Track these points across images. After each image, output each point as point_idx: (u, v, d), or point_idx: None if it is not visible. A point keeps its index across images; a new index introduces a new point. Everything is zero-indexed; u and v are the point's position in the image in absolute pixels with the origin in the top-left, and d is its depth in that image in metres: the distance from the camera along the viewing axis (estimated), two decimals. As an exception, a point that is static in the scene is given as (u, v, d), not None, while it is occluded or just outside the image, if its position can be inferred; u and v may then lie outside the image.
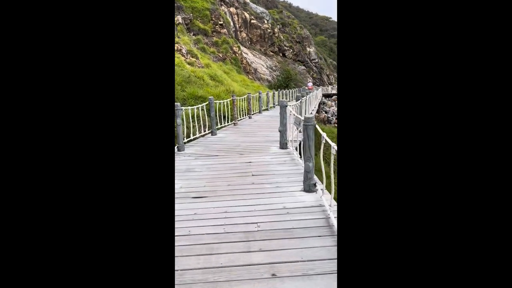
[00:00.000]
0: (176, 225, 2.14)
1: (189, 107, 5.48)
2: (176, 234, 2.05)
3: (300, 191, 2.77)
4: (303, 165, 3.42)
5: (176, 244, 1.89)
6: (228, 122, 7.11)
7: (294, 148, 4.37)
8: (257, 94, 9.98)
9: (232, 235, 2.02)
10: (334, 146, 1.99)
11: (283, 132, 4.43)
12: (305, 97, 6.94)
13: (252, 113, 9.06)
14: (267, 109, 11.01)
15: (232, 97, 7.32)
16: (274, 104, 12.45)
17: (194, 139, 5.36)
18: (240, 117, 8.20)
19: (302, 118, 3.34)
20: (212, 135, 5.83)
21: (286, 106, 4.44)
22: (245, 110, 8.66)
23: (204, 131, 5.80)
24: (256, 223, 2.17)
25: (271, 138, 5.45)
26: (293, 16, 47.26)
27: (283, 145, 4.47)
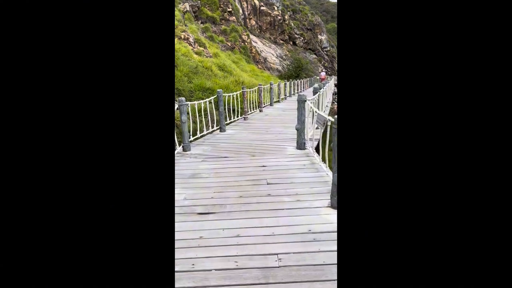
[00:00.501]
0: (177, 255, 1.72)
1: (196, 102, 5.01)
2: (176, 268, 1.63)
3: (327, 207, 2.31)
4: (328, 173, 2.96)
5: (176, 285, 1.47)
6: (238, 116, 6.64)
7: (312, 148, 3.88)
8: (268, 85, 9.41)
9: (246, 272, 1.59)
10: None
11: (300, 130, 3.93)
12: (322, 89, 6.36)
13: (263, 105, 8.55)
14: (278, 101, 10.45)
15: (242, 89, 6.82)
16: (285, 95, 11.85)
17: (202, 136, 4.93)
18: (251, 111, 7.71)
19: (329, 118, 2.84)
20: (220, 131, 5.39)
21: (305, 101, 3.92)
22: (255, 102, 8.15)
23: (212, 127, 5.35)
24: (277, 254, 1.73)
25: (286, 135, 4.96)
26: (304, 2, 45.57)
27: (301, 145, 3.98)
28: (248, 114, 7.04)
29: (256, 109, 8.11)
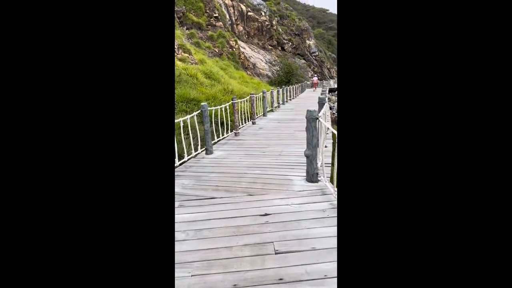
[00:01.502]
0: None
1: (180, 119, 3.96)
2: None
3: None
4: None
5: None
6: (227, 131, 5.65)
7: (327, 179, 2.93)
8: (261, 93, 8.49)
9: None
10: None
11: (311, 157, 2.98)
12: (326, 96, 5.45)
13: (256, 117, 7.60)
14: (272, 110, 9.54)
15: (232, 100, 5.86)
16: (278, 103, 10.96)
17: (182, 163, 3.91)
18: (242, 124, 6.74)
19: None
20: (207, 153, 4.38)
21: (318, 119, 2.98)
22: (247, 113, 7.20)
23: (196, 149, 4.33)
24: None
25: (289, 158, 4.00)
26: (291, 8, 45.45)
27: (312, 176, 3.02)
28: (239, 129, 6.07)
29: (248, 121, 7.15)
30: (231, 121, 5.91)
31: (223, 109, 5.44)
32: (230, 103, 5.83)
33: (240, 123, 6.54)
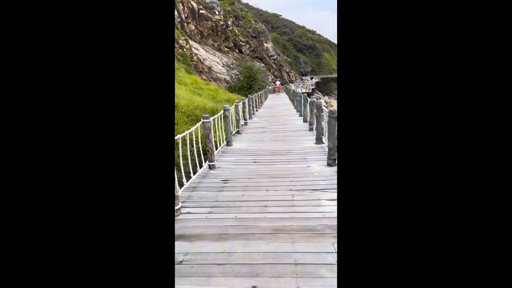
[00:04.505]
0: None
1: None
2: None
3: None
4: None
5: None
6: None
7: None
8: (219, 114, 5.49)
9: None
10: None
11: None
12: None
13: (215, 151, 4.64)
14: (238, 132, 6.66)
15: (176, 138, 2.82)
16: (245, 120, 8.12)
17: None
18: (190, 174, 3.67)
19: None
20: None
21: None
22: (201, 147, 4.14)
23: None
24: None
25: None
26: (246, 9, 43.35)
27: None
28: (182, 203, 3.08)
29: (204, 163, 4.12)
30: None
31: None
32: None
33: (185, 179, 3.52)
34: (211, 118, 4.17)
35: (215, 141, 4.83)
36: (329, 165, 3.82)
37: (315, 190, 3.04)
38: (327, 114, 3.92)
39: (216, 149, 4.77)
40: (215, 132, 4.89)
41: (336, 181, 3.24)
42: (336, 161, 3.84)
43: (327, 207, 2.62)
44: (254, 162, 4.28)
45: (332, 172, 3.59)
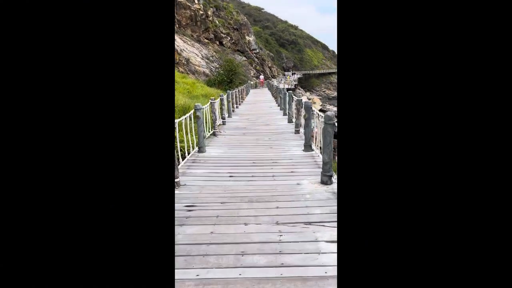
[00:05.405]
0: None
1: None
2: None
3: None
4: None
5: None
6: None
7: None
8: (189, 114, 4.58)
9: None
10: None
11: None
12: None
13: (183, 162, 3.75)
14: (214, 134, 5.78)
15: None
16: (223, 119, 7.23)
17: None
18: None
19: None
20: None
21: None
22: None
23: None
24: None
25: None
26: (227, 0, 41.72)
27: None
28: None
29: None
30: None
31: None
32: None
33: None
34: (178, 120, 3.27)
35: (183, 147, 3.94)
36: (323, 182, 3.08)
37: (309, 224, 2.28)
38: (321, 119, 3.16)
39: (183, 159, 3.88)
40: (186, 134, 4.00)
41: (335, 207, 2.50)
42: (333, 179, 3.10)
43: (329, 255, 1.87)
44: (230, 176, 3.44)
45: (328, 193, 2.85)
